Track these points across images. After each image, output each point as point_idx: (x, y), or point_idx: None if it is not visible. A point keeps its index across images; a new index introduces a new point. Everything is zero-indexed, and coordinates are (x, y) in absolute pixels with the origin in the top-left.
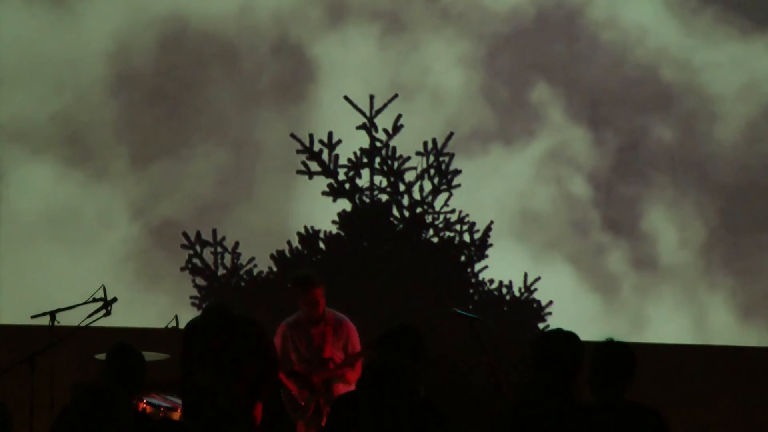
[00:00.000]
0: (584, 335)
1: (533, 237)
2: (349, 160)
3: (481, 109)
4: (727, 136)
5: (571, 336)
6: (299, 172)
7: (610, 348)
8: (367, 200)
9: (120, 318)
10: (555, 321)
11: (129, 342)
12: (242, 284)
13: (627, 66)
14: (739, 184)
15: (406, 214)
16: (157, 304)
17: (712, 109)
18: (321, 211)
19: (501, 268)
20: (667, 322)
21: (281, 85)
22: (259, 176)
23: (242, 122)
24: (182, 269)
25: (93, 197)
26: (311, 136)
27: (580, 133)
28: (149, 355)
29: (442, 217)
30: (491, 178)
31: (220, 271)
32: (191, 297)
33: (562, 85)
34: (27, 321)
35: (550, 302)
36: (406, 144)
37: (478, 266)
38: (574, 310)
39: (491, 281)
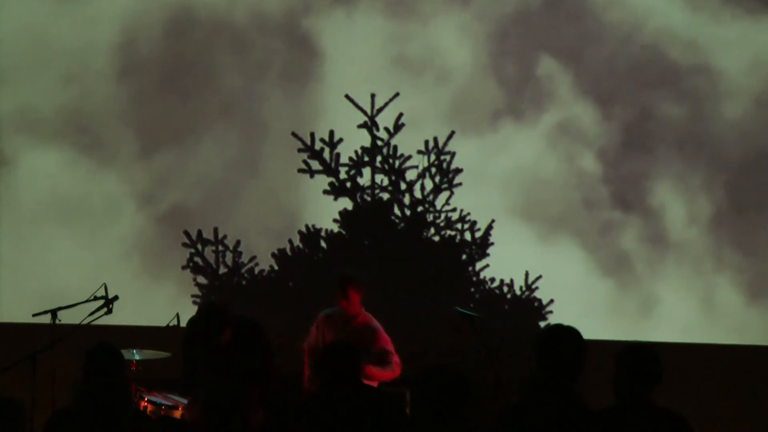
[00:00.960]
0: (593, 318)
1: (541, 214)
2: (351, 158)
3: (488, 86)
4: (734, 113)
5: (571, 332)
6: (300, 170)
7: (636, 352)
8: (369, 199)
9: (128, 306)
10: (564, 300)
11: (109, 341)
12: (243, 283)
13: (634, 44)
14: (747, 160)
15: (408, 212)
16: (165, 292)
17: (719, 85)
18: (324, 208)
19: (510, 245)
20: (675, 303)
21: (288, 72)
22: (266, 165)
23: (250, 110)
24: (183, 268)
25: (100, 186)
26: (312, 135)
27: (588, 112)
28: (150, 354)
29: (443, 215)
30: (499, 155)
31: (222, 270)
32: (193, 296)
33: (570, 64)
34: (28, 319)
35: (551, 301)
36: (408, 142)
37: (479, 265)
38: (583, 289)
39: (492, 280)
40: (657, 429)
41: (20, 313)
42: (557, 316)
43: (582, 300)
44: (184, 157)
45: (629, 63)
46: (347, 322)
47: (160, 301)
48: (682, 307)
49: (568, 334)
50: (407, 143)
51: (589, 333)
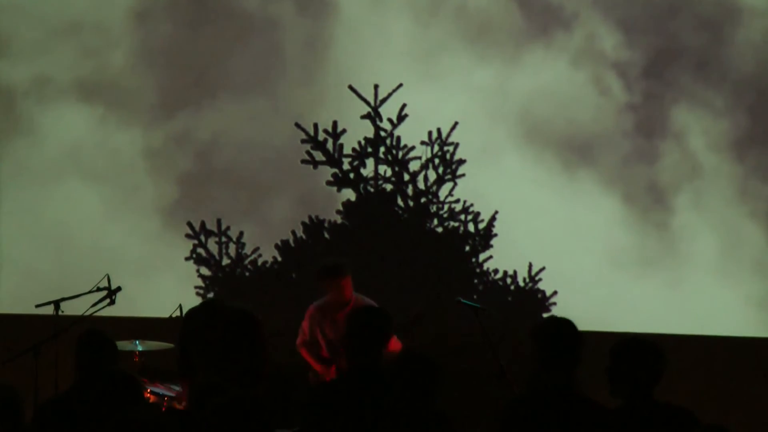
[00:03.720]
0: (613, 256)
1: (564, 142)
2: (354, 149)
3: (509, 12)
4: (755, 37)
5: (566, 323)
6: (304, 161)
7: (633, 347)
8: (372, 190)
9: (151, 272)
10: (585, 237)
11: (98, 329)
12: (246, 274)
13: None
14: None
15: (411, 203)
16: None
17: (739, 10)
18: (327, 199)
19: (531, 173)
20: (699, 239)
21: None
22: (282, 129)
23: (266, 80)
24: (186, 259)
25: (117, 150)
26: (316, 126)
27: (609, 39)
28: (153, 345)
29: (446, 206)
30: (520, 81)
31: (225, 261)
32: (196, 287)
33: None
34: (31, 310)
35: (555, 292)
36: (411, 133)
37: (482, 256)
38: (604, 226)
39: (495, 271)
40: (665, 426)
41: (36, 268)
42: (584, 257)
43: (602, 233)
44: (201, 122)
45: None
46: (340, 310)
47: (178, 268)
48: (706, 244)
49: (564, 326)
50: (410, 134)
51: (612, 271)
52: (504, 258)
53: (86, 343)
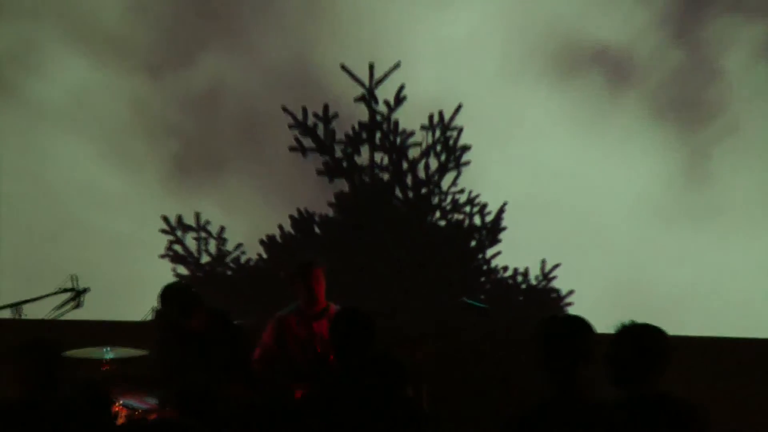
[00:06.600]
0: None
1: (593, 59)
2: (347, 135)
3: None
4: None
5: (577, 320)
6: (292, 148)
7: (637, 333)
8: (367, 180)
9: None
10: (616, 179)
11: (42, 337)
12: (229, 273)
13: None
14: None
15: (410, 194)
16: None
17: None
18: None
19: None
20: (733, 181)
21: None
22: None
23: (266, 25)
24: (161, 257)
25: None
26: (305, 109)
27: None
28: (124, 352)
29: (449, 198)
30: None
31: (204, 259)
32: None
33: None
34: None
35: (571, 291)
36: (410, 115)
37: (490, 252)
38: (633, 168)
39: (505, 268)
40: (665, 423)
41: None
42: (616, 203)
43: (633, 177)
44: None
45: None
46: (316, 318)
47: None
48: (739, 184)
49: (573, 323)
50: (409, 117)
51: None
52: (515, 253)
53: (27, 356)
